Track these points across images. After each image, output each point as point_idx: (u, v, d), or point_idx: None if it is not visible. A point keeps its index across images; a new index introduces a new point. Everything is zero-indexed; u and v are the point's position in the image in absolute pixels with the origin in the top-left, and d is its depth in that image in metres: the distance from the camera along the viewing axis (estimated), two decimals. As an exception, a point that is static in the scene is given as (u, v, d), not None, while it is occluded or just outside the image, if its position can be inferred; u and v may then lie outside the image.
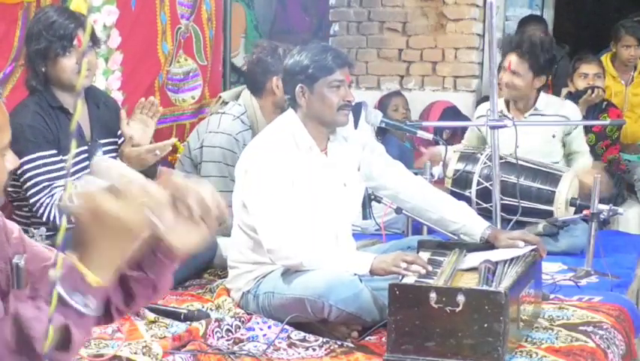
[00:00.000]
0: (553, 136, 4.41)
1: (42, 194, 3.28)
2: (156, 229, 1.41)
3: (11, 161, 1.66)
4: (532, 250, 3.07)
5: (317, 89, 3.13)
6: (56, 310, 1.31)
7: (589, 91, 5.03)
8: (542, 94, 4.45)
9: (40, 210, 3.28)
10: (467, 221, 3.27)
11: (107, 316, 1.62)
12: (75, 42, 3.31)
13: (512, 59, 4.31)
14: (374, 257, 2.95)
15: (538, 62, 4.31)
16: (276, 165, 3.06)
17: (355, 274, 2.96)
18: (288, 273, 3.05)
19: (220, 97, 4.17)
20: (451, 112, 5.87)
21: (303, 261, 2.98)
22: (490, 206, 3.74)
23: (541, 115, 4.38)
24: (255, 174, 3.08)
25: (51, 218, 3.29)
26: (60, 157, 3.34)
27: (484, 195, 4.09)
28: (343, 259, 3.00)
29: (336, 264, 2.98)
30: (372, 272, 2.93)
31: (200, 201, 1.49)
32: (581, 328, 3.02)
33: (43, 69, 3.34)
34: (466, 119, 5.65)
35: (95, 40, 3.47)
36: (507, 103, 4.46)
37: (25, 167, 3.28)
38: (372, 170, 3.35)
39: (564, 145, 4.47)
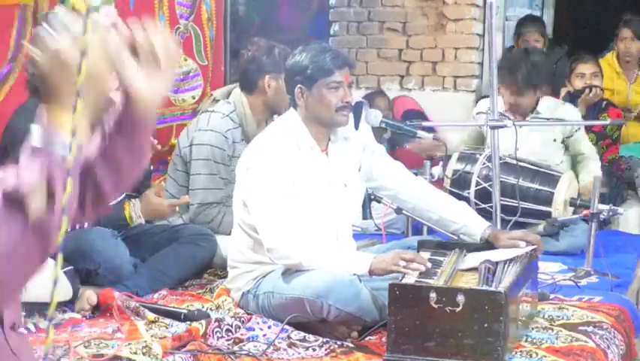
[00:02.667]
0: (554, 140, 4.43)
1: None
2: (122, 74, 1.39)
3: None
4: (531, 250, 3.07)
5: (315, 91, 3.13)
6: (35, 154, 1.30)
7: (586, 90, 5.04)
8: (543, 97, 4.47)
9: None
10: (468, 221, 3.27)
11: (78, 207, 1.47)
12: None
13: (513, 89, 4.33)
14: (373, 257, 2.95)
15: (538, 84, 4.35)
16: (277, 164, 3.06)
17: (355, 274, 2.96)
18: (288, 273, 3.05)
19: (212, 95, 4.18)
20: (413, 115, 5.77)
21: (303, 260, 2.98)
22: (489, 207, 3.74)
23: (542, 118, 4.40)
24: (256, 172, 3.08)
25: None
26: None
27: (483, 195, 4.09)
28: (342, 259, 3.00)
29: (335, 264, 2.98)
30: (371, 272, 2.93)
31: (162, 46, 1.45)
32: (581, 328, 3.02)
33: None
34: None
35: None
36: None
37: None
38: (372, 170, 3.35)
39: (567, 148, 4.49)
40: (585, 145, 4.51)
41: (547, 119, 4.39)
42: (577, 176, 4.43)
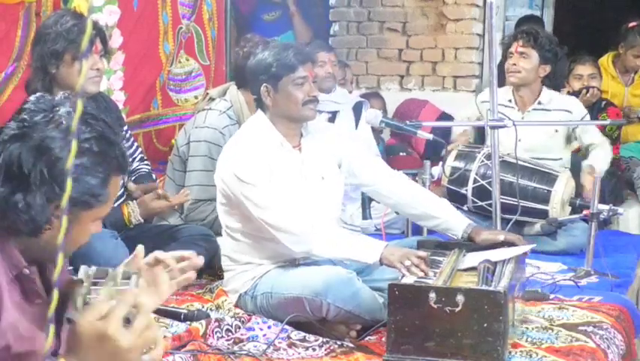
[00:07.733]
0: (556, 131, 4.41)
1: None
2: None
3: (95, 229, 1.68)
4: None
5: (281, 88, 3.13)
6: None
7: (584, 91, 5.05)
8: (545, 89, 4.46)
9: None
10: (449, 217, 3.25)
11: None
12: (93, 48, 3.34)
13: (519, 43, 4.39)
14: (385, 245, 2.95)
15: (544, 49, 4.39)
16: (253, 158, 3.05)
17: (353, 273, 2.97)
18: (285, 273, 3.06)
19: (207, 94, 4.18)
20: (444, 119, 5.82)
21: (314, 247, 2.98)
22: (487, 204, 3.74)
23: (545, 110, 4.40)
24: (237, 175, 3.04)
25: None
26: None
27: (481, 193, 4.10)
28: (353, 247, 2.98)
29: (346, 252, 2.97)
30: (381, 261, 2.93)
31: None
32: (581, 328, 3.02)
33: (54, 71, 3.33)
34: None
35: (107, 49, 3.50)
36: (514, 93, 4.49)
37: None
38: (353, 167, 3.33)
39: (575, 139, 4.46)
40: (593, 134, 4.46)
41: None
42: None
